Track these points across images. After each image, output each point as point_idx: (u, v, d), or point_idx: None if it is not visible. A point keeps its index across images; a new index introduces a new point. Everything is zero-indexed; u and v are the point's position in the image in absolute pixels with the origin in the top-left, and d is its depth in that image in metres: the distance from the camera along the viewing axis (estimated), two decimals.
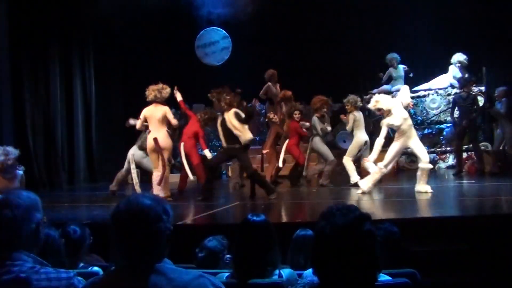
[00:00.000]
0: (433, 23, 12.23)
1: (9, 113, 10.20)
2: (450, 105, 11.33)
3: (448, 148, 11.56)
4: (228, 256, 3.63)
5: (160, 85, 8.17)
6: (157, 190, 7.68)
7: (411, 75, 11.91)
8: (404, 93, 8.14)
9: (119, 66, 13.03)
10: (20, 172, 6.88)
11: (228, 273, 2.89)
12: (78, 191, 9.64)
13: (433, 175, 10.70)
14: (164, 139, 7.96)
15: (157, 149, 7.87)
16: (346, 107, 9.56)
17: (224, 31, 13.32)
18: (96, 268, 3.23)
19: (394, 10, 12.45)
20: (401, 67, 11.88)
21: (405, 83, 11.94)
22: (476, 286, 4.31)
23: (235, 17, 12.46)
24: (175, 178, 12.49)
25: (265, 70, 11.96)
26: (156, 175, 7.90)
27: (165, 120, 8.04)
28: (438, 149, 11.79)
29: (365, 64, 12.24)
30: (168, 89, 8.23)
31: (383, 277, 2.58)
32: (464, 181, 9.16)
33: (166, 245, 1.98)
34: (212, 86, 13.20)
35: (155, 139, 7.87)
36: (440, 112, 11.64)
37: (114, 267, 2.06)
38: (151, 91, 8.13)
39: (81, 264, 3.61)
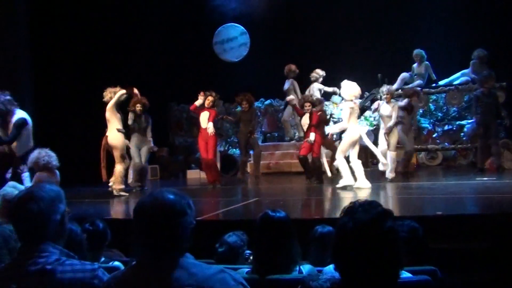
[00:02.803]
0: (454, 18, 12.10)
1: (32, 112, 10.40)
2: (471, 102, 11.19)
3: (469, 145, 11.43)
4: (248, 251, 3.64)
5: (117, 88, 8.80)
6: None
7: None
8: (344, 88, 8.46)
9: (136, 63, 13.08)
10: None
11: (248, 269, 2.90)
12: (99, 187, 9.72)
13: (454, 172, 10.62)
14: (114, 138, 8.68)
15: (107, 147, 8.76)
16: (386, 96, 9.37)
17: (242, 27, 13.33)
18: (117, 263, 3.26)
19: (414, 5, 12.34)
20: (425, 64, 11.76)
21: (426, 82, 11.85)
22: (497, 285, 4.26)
23: (253, 12, 12.47)
24: (193, 174, 12.61)
25: (283, 66, 11.95)
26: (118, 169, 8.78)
27: (111, 120, 8.70)
28: (458, 146, 11.67)
29: (385, 60, 12.15)
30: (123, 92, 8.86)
31: (404, 274, 2.57)
32: (485, 178, 9.05)
33: (188, 239, 1.99)
34: (231, 82, 13.33)
35: (106, 137, 8.72)
36: (461, 108, 11.52)
37: (135, 261, 2.08)
38: (108, 93, 8.79)
39: (102, 259, 3.65)
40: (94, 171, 9.35)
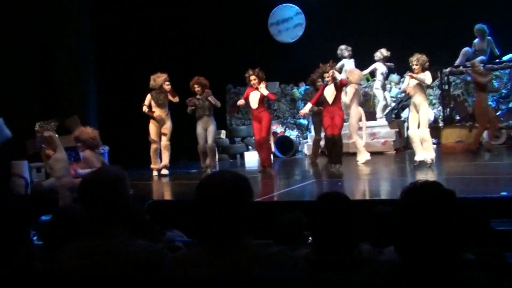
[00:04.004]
0: None
1: (94, 102, 10.83)
2: None
3: None
4: (306, 232, 3.65)
5: (158, 74, 9.47)
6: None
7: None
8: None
9: (193, 46, 13.21)
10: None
11: (307, 250, 2.91)
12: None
13: None
14: None
15: None
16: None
17: (297, 7, 13.20)
18: (179, 243, 3.34)
19: None
20: (487, 39, 11.32)
21: (488, 57, 11.40)
22: None
23: None
24: (251, 156, 12.69)
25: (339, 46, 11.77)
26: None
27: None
28: None
29: (445, 36, 11.77)
30: (162, 78, 9.38)
31: (467, 256, 2.52)
32: None
33: (248, 220, 2.02)
34: (286, 64, 13.27)
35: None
36: None
37: (196, 242, 2.13)
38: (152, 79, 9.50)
39: (164, 239, 3.75)
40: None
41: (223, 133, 13.59)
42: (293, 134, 13.62)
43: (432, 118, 11.66)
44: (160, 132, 9.55)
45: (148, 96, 9.48)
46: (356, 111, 9.33)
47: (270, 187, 7.74)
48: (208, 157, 9.52)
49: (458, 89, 11.66)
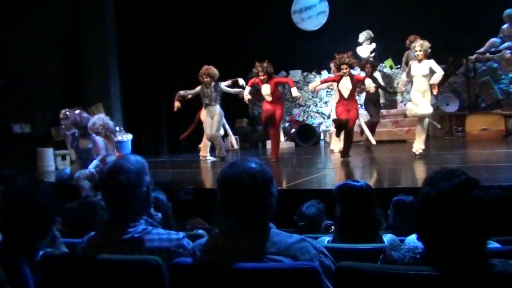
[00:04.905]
0: None
1: (118, 89, 10.94)
2: None
3: None
4: (329, 222, 3.65)
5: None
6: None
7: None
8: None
9: (215, 35, 13.20)
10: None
11: (330, 238, 2.91)
12: (180, 158, 10.06)
13: None
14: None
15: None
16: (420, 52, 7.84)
17: None
18: (201, 231, 3.36)
19: None
20: None
21: None
22: None
23: None
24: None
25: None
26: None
27: None
28: None
29: (470, 22, 11.55)
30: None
31: (492, 244, 2.49)
32: None
33: (271, 209, 2.02)
34: (309, 52, 13.17)
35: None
36: None
37: (218, 230, 2.13)
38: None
39: (186, 227, 3.77)
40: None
41: (244, 121, 13.58)
42: (315, 122, 13.55)
43: (457, 107, 11.51)
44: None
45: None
46: None
47: (291, 175, 7.73)
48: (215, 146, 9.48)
49: (483, 76, 11.44)
